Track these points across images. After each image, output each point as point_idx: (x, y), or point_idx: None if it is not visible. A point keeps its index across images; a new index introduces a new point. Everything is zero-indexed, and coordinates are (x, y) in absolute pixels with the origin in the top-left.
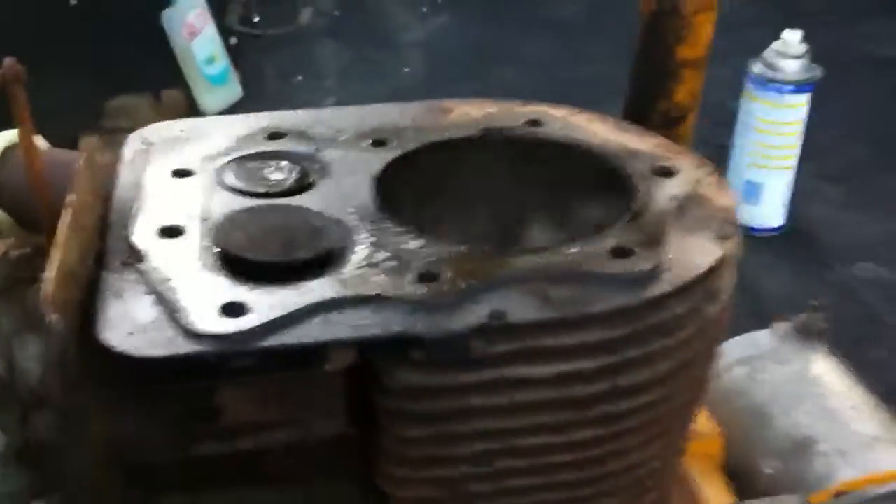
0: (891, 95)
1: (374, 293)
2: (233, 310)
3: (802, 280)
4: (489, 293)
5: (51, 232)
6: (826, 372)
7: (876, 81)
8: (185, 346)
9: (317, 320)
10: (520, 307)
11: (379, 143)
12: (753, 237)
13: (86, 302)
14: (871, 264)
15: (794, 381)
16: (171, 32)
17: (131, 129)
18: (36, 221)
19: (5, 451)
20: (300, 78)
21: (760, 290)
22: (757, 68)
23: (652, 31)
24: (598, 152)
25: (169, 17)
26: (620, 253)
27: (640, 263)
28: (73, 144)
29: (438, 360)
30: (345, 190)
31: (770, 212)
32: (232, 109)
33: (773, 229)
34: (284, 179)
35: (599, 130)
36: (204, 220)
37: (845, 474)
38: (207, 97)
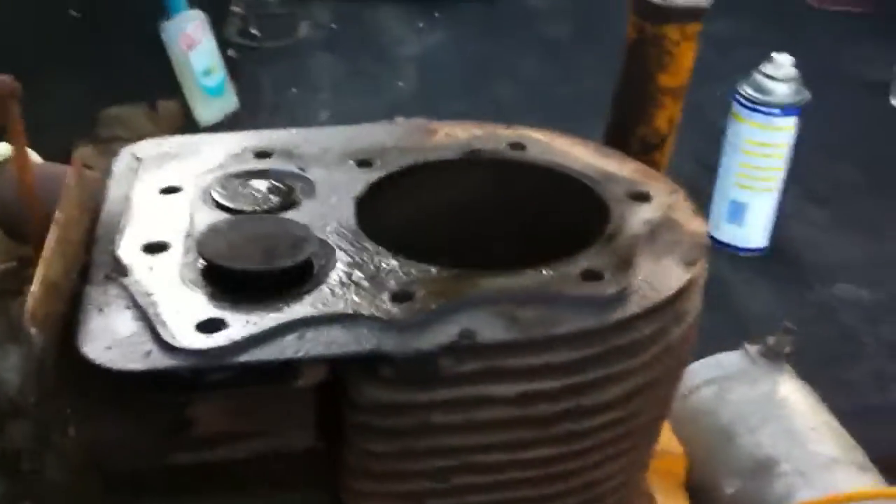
0: (877, 118)
1: (348, 311)
2: (210, 326)
3: (783, 300)
4: (459, 313)
5: (39, 245)
6: (791, 393)
7: (863, 104)
8: (161, 361)
9: (291, 337)
10: (488, 327)
11: (364, 163)
12: (737, 257)
13: (69, 314)
14: (852, 285)
15: (760, 401)
16: (170, 43)
17: (127, 139)
18: (27, 234)
19: None
20: (295, 90)
21: (740, 309)
22: (745, 90)
23: (634, 59)
24: (576, 176)
25: (167, 28)
26: (591, 276)
27: (609, 286)
28: (70, 152)
29: (407, 378)
30: (328, 209)
31: (754, 232)
32: (227, 121)
33: (757, 250)
34: (269, 198)
35: (580, 154)
36: (189, 236)
37: (804, 495)
38: (203, 108)
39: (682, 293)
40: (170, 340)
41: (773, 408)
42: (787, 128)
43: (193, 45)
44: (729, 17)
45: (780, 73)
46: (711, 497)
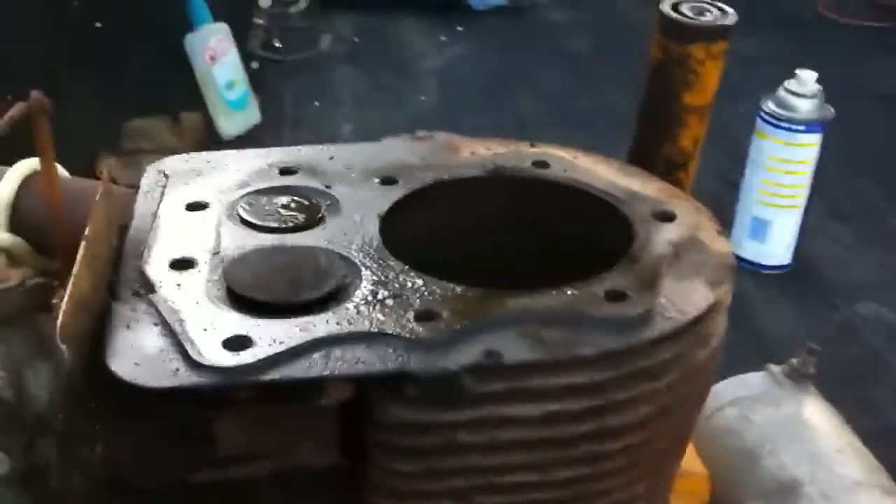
0: None
1: (373, 330)
2: (237, 343)
3: (805, 319)
4: (484, 333)
5: (67, 260)
6: (816, 415)
7: (885, 120)
8: (188, 378)
9: (317, 355)
10: (513, 347)
11: (388, 180)
12: (759, 274)
13: (98, 330)
14: (874, 304)
15: (785, 423)
16: (193, 56)
17: (151, 151)
18: (55, 248)
19: (9, 474)
20: (317, 104)
21: (762, 328)
22: (769, 106)
23: (659, 77)
24: (600, 195)
25: (191, 40)
26: (615, 296)
27: (634, 307)
28: (93, 163)
29: (431, 398)
30: (353, 227)
31: (777, 250)
32: (250, 134)
33: (780, 267)
34: (295, 215)
35: (603, 173)
36: (215, 253)
37: None
38: (226, 121)
39: (707, 315)
40: (197, 358)
41: (798, 429)
42: (811, 144)
43: (217, 57)
44: (750, 34)
45: (804, 89)
46: None
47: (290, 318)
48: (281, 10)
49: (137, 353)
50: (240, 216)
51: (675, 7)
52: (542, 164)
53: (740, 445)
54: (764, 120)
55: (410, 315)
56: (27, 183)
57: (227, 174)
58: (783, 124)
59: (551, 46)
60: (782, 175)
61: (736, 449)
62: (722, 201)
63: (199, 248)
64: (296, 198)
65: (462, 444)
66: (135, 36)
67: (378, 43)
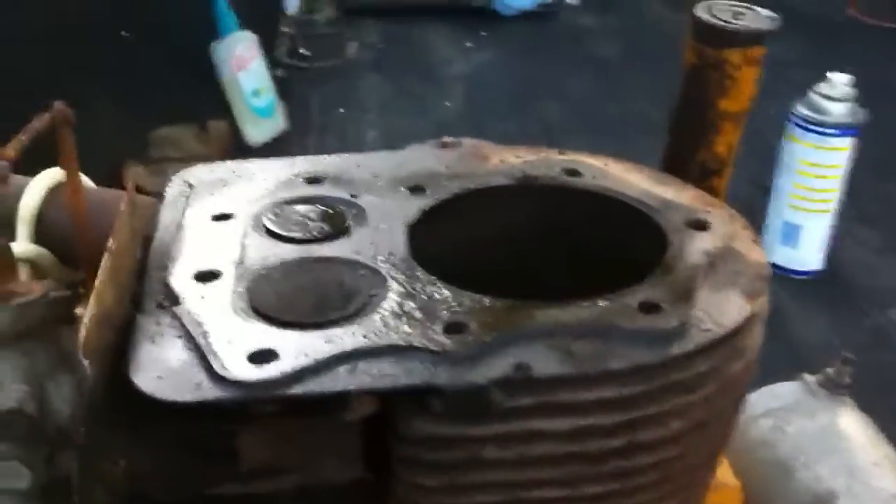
0: None
1: (400, 343)
2: (262, 357)
3: (837, 325)
4: (513, 346)
5: (91, 271)
6: (851, 426)
7: None
8: (212, 392)
9: (343, 369)
10: (542, 361)
11: (415, 189)
12: (791, 279)
13: (121, 343)
14: None
15: (819, 434)
16: (220, 64)
17: (177, 159)
18: (80, 259)
19: (31, 488)
20: (343, 110)
21: (794, 335)
22: (800, 110)
23: (694, 83)
24: (633, 204)
25: (218, 49)
26: (649, 308)
27: (668, 319)
28: (120, 172)
29: (458, 412)
30: (379, 237)
31: (808, 255)
32: (276, 141)
33: (811, 272)
34: (321, 225)
35: (635, 181)
36: (240, 264)
37: None
38: (253, 129)
39: (743, 327)
40: (220, 371)
41: (833, 440)
42: (843, 148)
43: (243, 65)
44: (779, 36)
45: (837, 92)
46: None
47: (315, 330)
48: (307, 18)
49: (161, 367)
50: (265, 226)
51: (709, 10)
52: (573, 172)
53: (774, 457)
54: (795, 123)
55: (438, 327)
56: (52, 194)
57: (252, 184)
58: (815, 128)
59: (579, 52)
60: (813, 179)
61: (769, 461)
62: (753, 206)
63: (224, 260)
64: (322, 207)
65: (489, 458)
66: (162, 44)
67: (404, 49)
